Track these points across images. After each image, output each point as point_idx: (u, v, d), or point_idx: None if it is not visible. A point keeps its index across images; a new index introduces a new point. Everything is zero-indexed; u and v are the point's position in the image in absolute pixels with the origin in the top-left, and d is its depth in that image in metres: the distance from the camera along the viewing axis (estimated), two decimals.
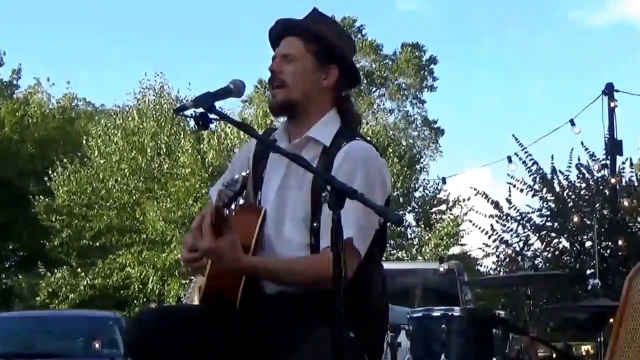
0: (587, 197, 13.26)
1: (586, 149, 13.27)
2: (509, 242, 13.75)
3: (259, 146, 3.48)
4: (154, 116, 25.72)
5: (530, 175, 13.53)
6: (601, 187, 13.13)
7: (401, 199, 27.68)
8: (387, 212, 2.85)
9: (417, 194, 29.79)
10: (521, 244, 13.65)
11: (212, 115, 2.97)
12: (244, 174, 2.98)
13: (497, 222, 13.82)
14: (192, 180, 23.20)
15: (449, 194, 27.71)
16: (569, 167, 13.48)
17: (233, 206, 3.09)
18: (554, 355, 7.78)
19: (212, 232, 3.03)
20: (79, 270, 24.22)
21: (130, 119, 25.90)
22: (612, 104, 12.13)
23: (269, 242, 3.30)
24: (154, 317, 3.33)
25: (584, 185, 13.39)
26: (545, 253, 13.52)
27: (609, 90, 12.18)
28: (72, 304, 23.28)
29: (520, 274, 7.10)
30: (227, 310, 3.22)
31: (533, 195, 13.55)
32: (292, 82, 3.32)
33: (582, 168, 13.37)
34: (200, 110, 2.96)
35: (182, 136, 24.75)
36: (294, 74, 3.32)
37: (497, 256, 14.10)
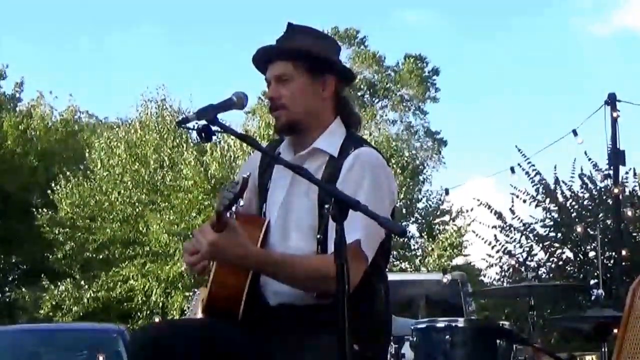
0: (590, 208, 13.26)
1: (589, 159, 13.28)
2: (513, 252, 13.74)
3: (264, 158, 3.49)
4: (157, 128, 25.75)
5: (533, 186, 13.54)
6: (604, 197, 13.12)
7: (404, 209, 27.65)
8: (391, 223, 2.85)
9: (420, 205, 29.80)
10: (525, 254, 13.65)
11: (214, 128, 2.99)
12: (244, 175, 2.98)
13: (500, 232, 13.82)
14: (195, 192, 23.18)
15: (452, 204, 27.69)
16: (572, 177, 13.50)
17: (234, 208, 3.10)
18: None
19: (213, 230, 3.04)
20: (82, 282, 24.20)
21: (132, 131, 25.93)
22: (614, 114, 12.08)
23: (273, 249, 3.29)
24: (156, 332, 3.33)
25: (587, 195, 13.39)
26: (549, 263, 13.52)
27: (612, 100, 12.14)
28: (76, 317, 23.25)
29: (524, 285, 7.09)
30: (229, 323, 3.22)
31: (536, 206, 13.56)
32: (292, 104, 3.33)
33: (585, 178, 13.37)
34: (203, 122, 2.97)
35: (184, 148, 24.74)
36: (292, 96, 3.32)
37: (501, 267, 14.10)
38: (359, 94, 36.03)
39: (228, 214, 3.07)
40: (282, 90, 3.33)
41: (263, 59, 3.43)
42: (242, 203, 3.29)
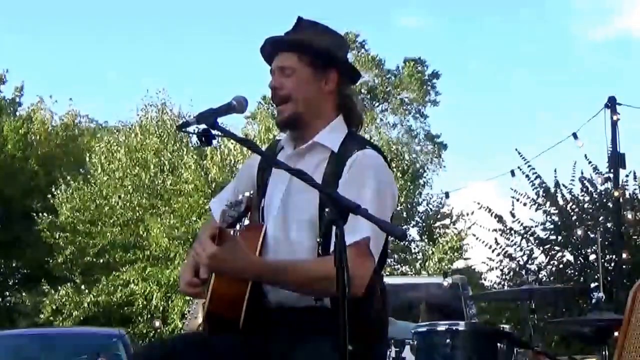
0: (590, 211, 13.27)
1: (589, 162, 13.30)
2: (513, 256, 13.75)
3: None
4: (157, 133, 25.75)
5: (533, 189, 13.55)
6: (605, 200, 13.14)
7: (404, 213, 27.64)
8: (391, 226, 2.84)
9: (420, 209, 29.77)
10: (525, 257, 13.66)
11: (214, 132, 2.98)
12: (247, 194, 2.99)
13: (501, 236, 13.83)
14: (195, 196, 23.19)
15: (453, 208, 27.71)
16: (572, 180, 13.50)
17: (238, 227, 3.10)
18: None
19: (213, 242, 3.04)
20: (82, 287, 24.19)
21: (133, 135, 25.94)
22: (614, 117, 12.13)
23: (276, 247, 3.30)
24: (158, 351, 3.33)
25: (587, 198, 13.40)
26: (550, 267, 13.54)
27: (612, 104, 12.19)
28: (76, 321, 23.23)
29: (525, 288, 7.08)
30: (229, 334, 3.22)
31: (537, 209, 13.57)
32: (294, 96, 3.34)
33: (585, 181, 13.38)
34: (203, 126, 2.97)
35: (185, 152, 24.75)
36: (294, 87, 3.34)
37: (501, 270, 14.12)
38: (359, 97, 35.97)
39: (231, 232, 3.08)
40: (285, 82, 3.35)
41: (269, 50, 3.45)
42: (246, 222, 3.29)
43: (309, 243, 3.24)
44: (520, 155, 13.47)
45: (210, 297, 3.20)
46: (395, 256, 26.65)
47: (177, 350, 3.22)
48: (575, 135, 12.47)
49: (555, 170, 13.84)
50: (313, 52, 3.37)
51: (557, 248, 13.48)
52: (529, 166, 13.45)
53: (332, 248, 3.08)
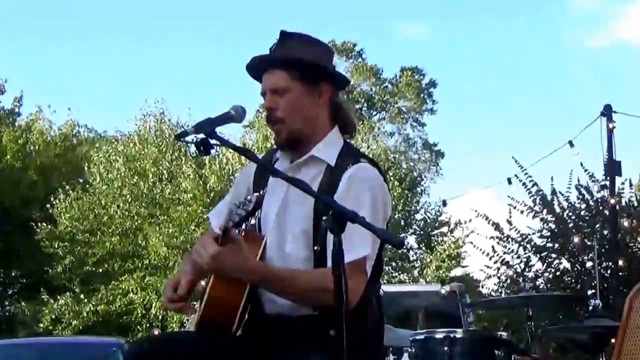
0: (587, 218, 13.27)
1: (585, 170, 13.31)
2: (510, 263, 13.75)
3: (260, 167, 3.48)
4: (155, 142, 25.76)
5: (530, 197, 13.55)
6: (601, 208, 13.14)
7: (402, 221, 27.66)
8: (388, 234, 2.87)
9: (418, 217, 29.79)
10: (522, 265, 13.66)
11: (213, 141, 2.99)
12: (256, 194, 3.01)
13: (498, 243, 13.83)
14: (194, 205, 23.20)
15: (450, 216, 27.74)
16: (569, 188, 13.50)
17: (244, 226, 3.12)
18: None
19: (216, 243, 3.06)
20: (82, 296, 24.18)
21: (131, 145, 25.95)
22: (610, 125, 12.17)
23: (272, 258, 3.30)
24: (150, 345, 3.34)
25: (583, 206, 13.40)
26: (546, 274, 13.52)
27: (608, 112, 12.22)
28: (76, 331, 23.22)
29: (522, 295, 7.10)
30: (223, 336, 3.23)
31: (534, 217, 13.57)
32: (290, 116, 3.33)
33: (581, 189, 13.39)
34: (201, 135, 2.98)
35: (183, 162, 24.76)
36: (289, 107, 3.32)
37: (499, 277, 14.12)
38: (357, 106, 36.06)
39: (236, 231, 3.09)
40: (279, 101, 3.32)
41: (257, 69, 3.43)
42: (252, 222, 3.31)
43: (304, 254, 3.25)
44: (517, 163, 13.48)
45: (205, 302, 3.20)
46: (393, 264, 26.68)
47: (170, 346, 3.23)
48: (571, 143, 12.52)
49: (552, 178, 13.85)
50: (303, 67, 3.34)
51: (553, 255, 13.48)
52: (525, 174, 13.46)
53: (329, 256, 3.12)
